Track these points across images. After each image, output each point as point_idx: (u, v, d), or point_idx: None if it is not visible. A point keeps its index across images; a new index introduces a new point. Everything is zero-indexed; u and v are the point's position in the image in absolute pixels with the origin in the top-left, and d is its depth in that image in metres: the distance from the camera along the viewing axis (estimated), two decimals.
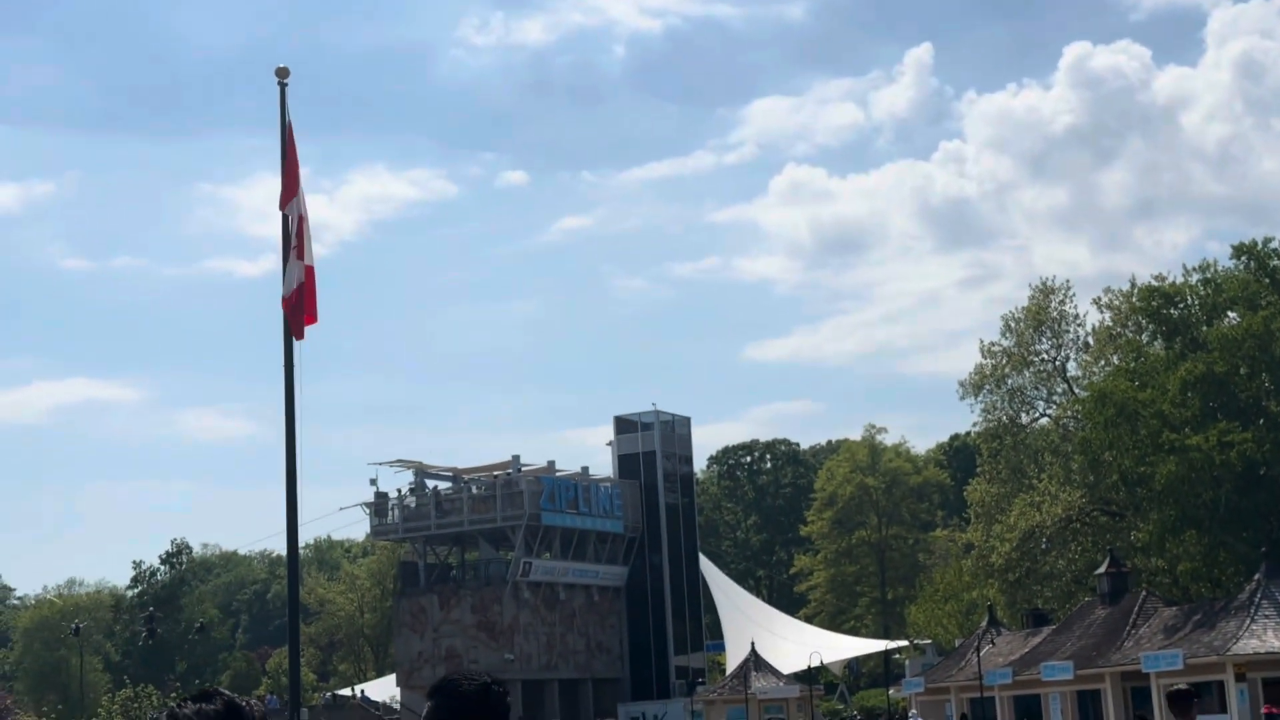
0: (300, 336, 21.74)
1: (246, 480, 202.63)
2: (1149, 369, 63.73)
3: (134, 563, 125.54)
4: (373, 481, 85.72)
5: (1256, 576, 51.06)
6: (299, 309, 21.49)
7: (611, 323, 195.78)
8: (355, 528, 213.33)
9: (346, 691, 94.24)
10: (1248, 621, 48.58)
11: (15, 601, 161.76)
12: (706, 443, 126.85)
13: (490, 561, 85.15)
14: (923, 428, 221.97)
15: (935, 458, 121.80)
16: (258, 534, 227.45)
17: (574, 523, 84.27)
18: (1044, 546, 70.95)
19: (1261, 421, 60.61)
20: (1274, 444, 59.31)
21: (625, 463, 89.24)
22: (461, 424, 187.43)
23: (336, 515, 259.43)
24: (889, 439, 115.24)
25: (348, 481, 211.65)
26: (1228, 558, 60.95)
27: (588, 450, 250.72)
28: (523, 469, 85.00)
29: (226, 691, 3.68)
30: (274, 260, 25.39)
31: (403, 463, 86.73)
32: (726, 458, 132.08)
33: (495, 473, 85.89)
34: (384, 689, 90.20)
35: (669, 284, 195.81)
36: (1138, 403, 60.84)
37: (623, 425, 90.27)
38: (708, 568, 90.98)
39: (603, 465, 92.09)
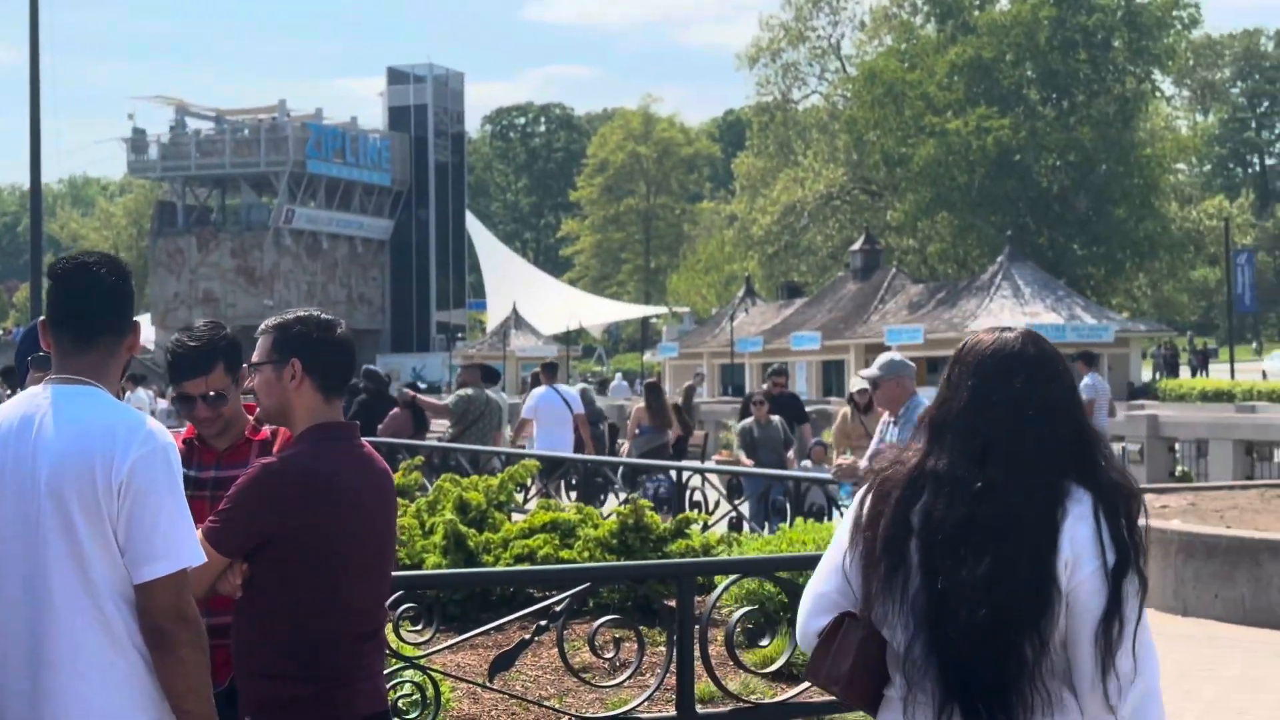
0: None
1: None
2: (920, 50, 64.41)
3: None
4: (130, 116, 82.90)
5: (1000, 259, 53.33)
6: None
7: None
8: (112, 164, 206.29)
9: None
10: (986, 301, 50.86)
11: None
12: (481, 103, 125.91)
13: (252, 207, 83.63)
14: (698, 101, 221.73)
15: (708, 130, 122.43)
16: (6, 164, 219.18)
17: (340, 172, 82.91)
18: (804, 222, 72.50)
19: (1020, 109, 62.17)
20: (1029, 131, 61.05)
21: (396, 115, 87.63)
22: (226, 66, 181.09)
23: (92, 149, 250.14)
24: (664, 110, 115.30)
25: (106, 117, 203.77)
26: (975, 240, 63.33)
27: (357, 101, 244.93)
28: (290, 115, 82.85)
29: None
30: None
31: (163, 99, 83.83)
32: (500, 118, 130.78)
33: (260, 116, 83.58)
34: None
35: None
36: (905, 84, 61.72)
37: (395, 76, 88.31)
38: (475, 227, 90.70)
39: (373, 118, 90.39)
